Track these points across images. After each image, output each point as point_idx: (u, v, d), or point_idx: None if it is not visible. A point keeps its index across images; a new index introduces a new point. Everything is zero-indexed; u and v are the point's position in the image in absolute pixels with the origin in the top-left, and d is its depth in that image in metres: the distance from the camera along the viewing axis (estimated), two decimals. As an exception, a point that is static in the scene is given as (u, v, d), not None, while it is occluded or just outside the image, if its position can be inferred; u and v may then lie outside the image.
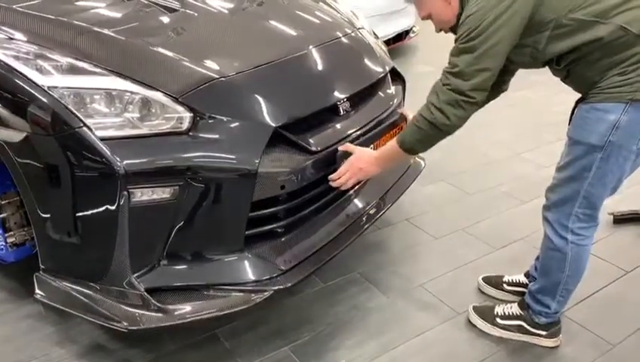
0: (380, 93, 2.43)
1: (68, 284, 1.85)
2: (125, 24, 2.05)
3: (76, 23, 1.99)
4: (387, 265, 2.55)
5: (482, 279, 2.38)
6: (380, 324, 2.19)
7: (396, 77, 2.65)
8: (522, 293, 2.23)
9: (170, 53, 1.92)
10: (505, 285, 2.33)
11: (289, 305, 2.27)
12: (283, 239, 2.02)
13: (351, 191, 2.32)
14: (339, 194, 2.25)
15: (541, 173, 3.42)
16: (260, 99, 1.93)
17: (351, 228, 2.20)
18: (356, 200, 2.32)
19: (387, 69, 2.50)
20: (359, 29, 2.61)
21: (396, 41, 5.90)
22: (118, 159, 1.67)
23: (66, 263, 1.87)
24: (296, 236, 2.05)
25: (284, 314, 2.23)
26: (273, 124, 1.87)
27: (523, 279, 2.30)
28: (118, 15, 2.14)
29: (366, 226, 2.24)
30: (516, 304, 2.16)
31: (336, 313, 2.25)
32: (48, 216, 1.80)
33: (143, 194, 1.73)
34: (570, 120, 1.90)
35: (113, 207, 1.70)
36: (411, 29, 6.13)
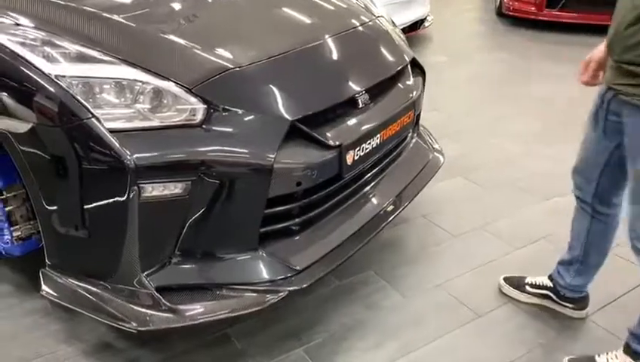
0: (400, 85, 2.33)
1: (75, 281, 1.78)
2: (136, 10, 1.95)
3: (85, 8, 1.90)
4: (403, 264, 2.47)
5: (503, 279, 2.30)
6: (397, 326, 2.11)
7: (416, 68, 2.55)
8: (546, 296, 2.16)
9: (182, 41, 1.84)
10: (527, 287, 2.23)
11: (302, 305, 2.19)
12: (298, 237, 1.94)
13: (367, 188, 2.24)
14: (355, 190, 2.17)
15: (560, 169, 3.29)
16: (276, 90, 1.84)
17: (368, 226, 2.12)
18: (373, 197, 2.23)
19: (407, 59, 2.40)
20: (378, 17, 2.51)
21: (410, 31, 5.78)
22: (127, 152, 1.59)
23: (73, 259, 1.80)
24: (312, 234, 1.97)
25: (297, 313, 2.15)
26: (290, 118, 1.79)
27: (547, 281, 2.20)
28: (128, 0, 2.05)
29: (383, 224, 2.16)
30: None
31: (351, 313, 2.18)
32: (54, 209, 1.73)
33: (154, 190, 1.65)
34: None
35: (122, 203, 1.62)
36: (426, 18, 6.01)
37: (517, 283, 2.26)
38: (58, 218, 1.74)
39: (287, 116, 1.79)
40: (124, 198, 1.61)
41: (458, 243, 2.62)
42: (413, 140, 2.61)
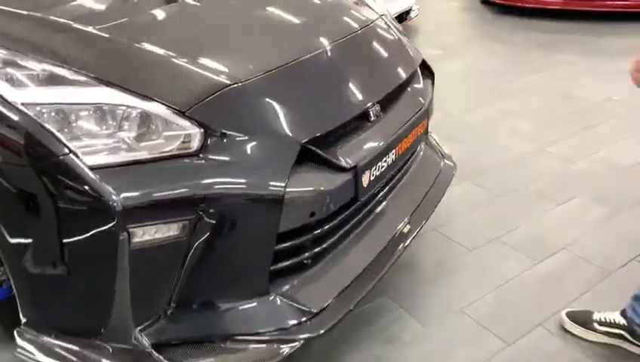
0: (411, 90, 2.10)
1: (56, 341, 1.52)
2: (114, 19, 1.67)
3: (53, 19, 1.63)
4: (420, 286, 2.25)
5: (566, 315, 2.04)
6: None
7: (424, 69, 2.32)
8: (619, 336, 1.93)
9: (170, 55, 1.58)
10: (596, 324, 1.98)
11: (314, 342, 1.96)
12: (311, 272, 1.71)
13: (380, 208, 2.02)
14: (369, 211, 1.95)
15: (570, 168, 3.14)
16: (282, 108, 1.60)
17: (385, 252, 1.90)
18: (388, 218, 2.01)
19: (418, 62, 2.17)
20: (381, 15, 2.27)
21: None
22: (113, 192, 1.33)
23: (53, 315, 1.55)
24: (326, 267, 1.75)
25: (308, 353, 1.92)
26: (300, 139, 1.55)
27: (619, 318, 1.95)
28: (105, 8, 1.78)
29: (402, 248, 1.94)
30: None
31: (368, 349, 1.96)
32: (28, 257, 1.47)
33: (146, 233, 1.40)
34: None
35: (110, 251, 1.37)
36: (411, 8, 5.79)
37: (583, 319, 2.00)
38: (33, 268, 1.48)
39: (296, 137, 1.55)
40: (111, 246, 1.36)
41: (474, 259, 2.42)
42: (423, 148, 2.40)
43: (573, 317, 2.03)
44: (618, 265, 2.36)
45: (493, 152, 3.32)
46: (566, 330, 2.03)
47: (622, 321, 1.93)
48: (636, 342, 1.91)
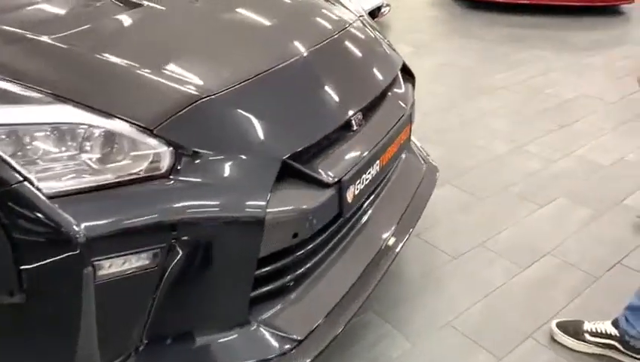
0: (393, 96, 2.00)
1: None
2: (72, 27, 1.51)
3: (3, 28, 1.47)
4: (405, 299, 2.16)
5: (557, 326, 1.97)
6: (410, 382, 1.82)
7: (404, 72, 2.22)
8: (610, 346, 1.87)
9: (136, 66, 1.44)
10: (587, 335, 1.92)
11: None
12: (294, 295, 1.60)
13: (364, 220, 1.92)
14: (352, 225, 1.84)
15: (550, 169, 3.09)
16: (259, 122, 1.48)
17: (372, 267, 1.80)
18: (372, 230, 1.91)
19: (399, 66, 2.07)
20: (360, 17, 2.16)
21: (369, 20, 5.45)
22: (73, 222, 1.20)
23: (14, 354, 1.39)
24: (310, 288, 1.64)
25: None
26: (280, 155, 1.43)
27: (611, 329, 1.89)
28: (61, 14, 1.63)
29: (389, 262, 1.85)
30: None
31: (355, 369, 1.86)
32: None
33: (113, 265, 1.27)
34: None
35: (73, 286, 1.24)
36: (382, 4, 5.70)
37: (574, 330, 1.94)
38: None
39: (276, 153, 1.43)
40: (74, 282, 1.23)
41: (460, 267, 2.34)
42: (405, 154, 2.30)
43: (563, 327, 1.97)
44: (604, 269, 2.32)
45: (471, 153, 3.25)
46: (556, 341, 1.97)
47: (614, 332, 1.88)
48: (628, 353, 1.86)
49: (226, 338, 1.43)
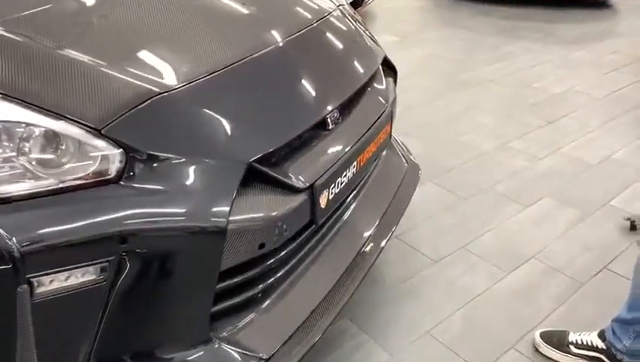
0: (373, 91, 1.87)
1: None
2: (10, 12, 1.36)
3: None
4: (383, 305, 2.06)
5: (540, 336, 1.88)
6: (387, 397, 1.71)
7: (385, 66, 2.10)
8: (596, 359, 1.79)
9: (85, 58, 1.29)
10: (572, 347, 1.83)
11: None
12: (260, 309, 1.47)
13: (340, 223, 1.79)
14: (327, 230, 1.72)
15: (537, 167, 3.00)
16: (224, 121, 1.35)
17: (347, 275, 1.68)
18: (349, 234, 1.79)
19: (380, 59, 1.94)
20: (340, 5, 2.03)
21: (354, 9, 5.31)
22: (6, 235, 1.06)
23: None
24: (278, 300, 1.51)
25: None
26: (246, 159, 1.30)
27: (597, 341, 1.80)
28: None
29: (367, 269, 1.73)
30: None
31: (329, 384, 1.75)
32: None
33: (54, 280, 1.13)
34: None
35: (6, 306, 1.10)
36: (367, -7, 5.56)
37: (558, 341, 1.85)
38: None
39: (242, 156, 1.30)
40: (7, 299, 1.09)
41: (441, 271, 2.24)
42: (385, 151, 2.18)
43: (547, 338, 1.87)
44: (590, 274, 2.23)
45: (455, 149, 3.15)
46: (540, 353, 1.87)
47: (600, 344, 1.79)
48: None
49: (185, 358, 1.30)
